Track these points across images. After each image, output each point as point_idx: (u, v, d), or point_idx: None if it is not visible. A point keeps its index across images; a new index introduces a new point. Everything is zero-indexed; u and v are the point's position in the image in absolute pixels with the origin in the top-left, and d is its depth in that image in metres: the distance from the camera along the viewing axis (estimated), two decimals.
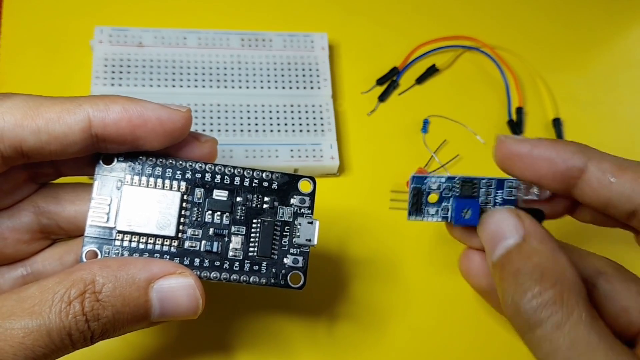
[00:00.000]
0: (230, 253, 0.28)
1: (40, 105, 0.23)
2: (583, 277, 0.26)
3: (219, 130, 0.38)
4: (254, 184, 0.29)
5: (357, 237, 0.38)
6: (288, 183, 0.29)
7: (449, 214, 0.29)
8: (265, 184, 0.29)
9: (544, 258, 0.25)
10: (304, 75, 0.41)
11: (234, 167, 0.28)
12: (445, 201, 0.30)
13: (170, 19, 0.43)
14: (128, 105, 0.25)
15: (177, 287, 0.24)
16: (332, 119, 0.40)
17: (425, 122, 0.42)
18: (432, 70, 0.44)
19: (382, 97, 0.43)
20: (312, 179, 0.29)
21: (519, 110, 0.44)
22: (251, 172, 0.29)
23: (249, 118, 0.39)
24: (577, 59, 0.48)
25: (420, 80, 0.44)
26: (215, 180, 0.28)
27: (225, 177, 0.28)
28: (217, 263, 0.28)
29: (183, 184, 0.28)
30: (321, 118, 0.40)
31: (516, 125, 0.43)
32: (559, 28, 0.49)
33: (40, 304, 0.21)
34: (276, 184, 0.29)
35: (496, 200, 0.29)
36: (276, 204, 0.29)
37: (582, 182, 0.26)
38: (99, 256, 0.27)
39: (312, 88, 0.41)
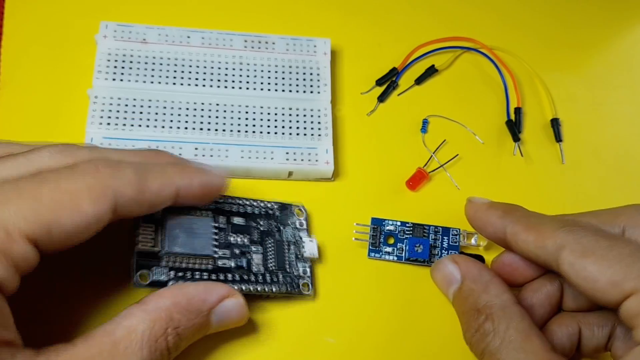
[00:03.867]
0: (254, 268, 0.33)
1: (147, 178, 0.27)
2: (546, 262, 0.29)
3: (216, 130, 0.38)
4: (261, 212, 0.35)
5: (352, 244, 0.38)
6: (284, 210, 0.36)
7: (403, 254, 0.36)
8: (270, 211, 0.35)
9: (476, 296, 0.29)
10: (304, 79, 0.41)
11: (246, 199, 0.35)
12: (400, 242, 0.37)
13: (175, 18, 0.43)
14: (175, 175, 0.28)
15: (231, 308, 0.29)
16: (329, 124, 0.40)
17: (425, 122, 0.43)
18: (431, 71, 0.45)
19: (382, 98, 0.43)
20: (302, 207, 0.37)
21: (518, 111, 0.44)
22: (258, 202, 0.35)
23: (246, 119, 0.39)
24: (575, 59, 0.49)
25: (420, 80, 0.44)
26: (232, 209, 0.34)
27: (239, 207, 0.34)
28: (246, 277, 0.32)
29: (209, 212, 0.33)
30: (319, 122, 0.40)
31: (515, 125, 0.43)
32: (557, 28, 0.49)
33: (132, 345, 0.24)
34: (277, 211, 0.36)
35: (443, 245, 0.37)
36: (280, 227, 0.35)
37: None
38: (150, 276, 0.30)
39: (311, 92, 0.41)
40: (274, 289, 0.33)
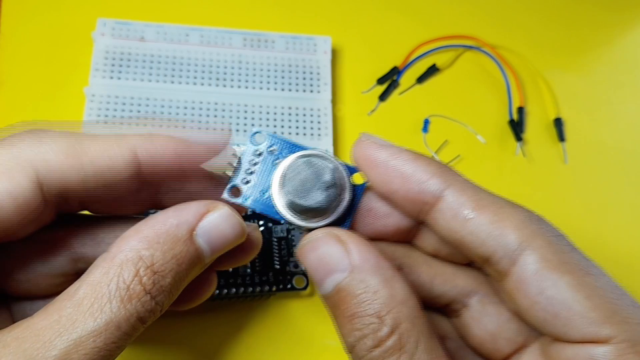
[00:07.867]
0: (241, 270, 0.33)
1: (82, 142, 0.22)
2: (451, 297, 0.25)
3: (214, 129, 0.38)
4: (249, 213, 0.34)
5: None
6: None
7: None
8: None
9: (378, 297, 0.21)
10: (304, 79, 0.41)
11: None
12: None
13: (174, 15, 0.43)
14: (171, 135, 0.23)
15: (217, 222, 0.23)
16: (329, 124, 0.40)
17: (426, 122, 0.42)
18: (432, 70, 0.44)
19: (383, 97, 0.43)
20: None
21: (520, 110, 0.44)
22: None
23: (245, 118, 0.39)
24: (578, 59, 0.48)
25: (421, 79, 0.44)
26: None
27: None
28: (231, 280, 0.33)
29: None
30: (319, 122, 0.39)
31: (517, 125, 0.43)
32: (560, 27, 0.49)
33: (97, 301, 0.20)
34: None
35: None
36: (270, 225, 0.35)
37: (435, 210, 0.22)
38: None
39: (311, 91, 0.40)
40: (264, 289, 0.33)
